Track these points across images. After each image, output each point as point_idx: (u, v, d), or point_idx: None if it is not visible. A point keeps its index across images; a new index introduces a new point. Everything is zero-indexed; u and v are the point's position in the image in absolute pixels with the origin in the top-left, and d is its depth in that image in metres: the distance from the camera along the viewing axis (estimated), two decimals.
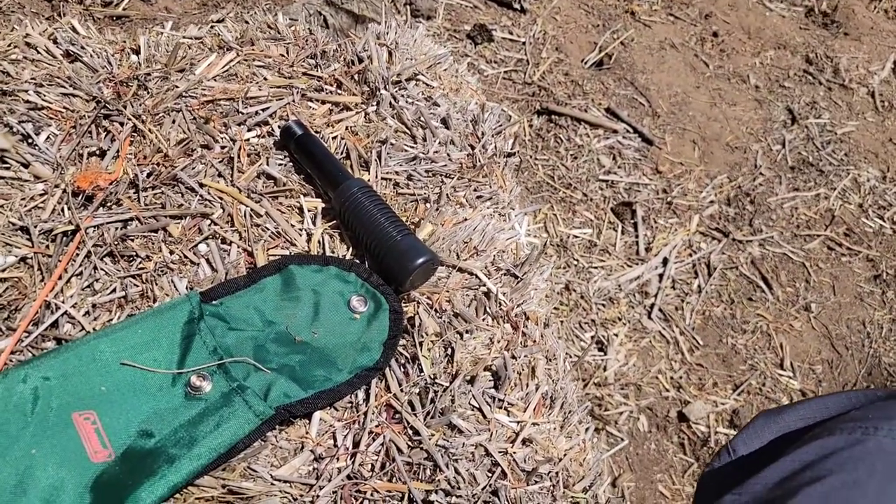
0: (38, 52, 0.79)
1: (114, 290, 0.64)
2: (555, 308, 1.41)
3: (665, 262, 1.55)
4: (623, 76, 1.90)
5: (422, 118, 0.81)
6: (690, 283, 1.55)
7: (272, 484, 0.56)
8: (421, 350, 0.65)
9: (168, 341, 0.58)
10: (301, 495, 0.56)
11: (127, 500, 0.50)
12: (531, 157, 1.67)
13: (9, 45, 0.79)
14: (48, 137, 0.72)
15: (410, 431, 0.62)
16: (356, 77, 0.85)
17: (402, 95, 0.83)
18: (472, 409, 0.64)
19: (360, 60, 0.86)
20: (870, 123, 1.95)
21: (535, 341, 0.69)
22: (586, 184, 1.65)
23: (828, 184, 1.78)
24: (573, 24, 2.00)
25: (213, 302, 0.63)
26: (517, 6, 1.96)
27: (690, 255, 1.59)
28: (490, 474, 0.60)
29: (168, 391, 0.56)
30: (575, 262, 1.50)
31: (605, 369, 1.34)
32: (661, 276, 1.53)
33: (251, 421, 0.55)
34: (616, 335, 1.39)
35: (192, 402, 0.56)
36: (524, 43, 1.89)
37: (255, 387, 0.58)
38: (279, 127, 0.76)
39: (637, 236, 1.58)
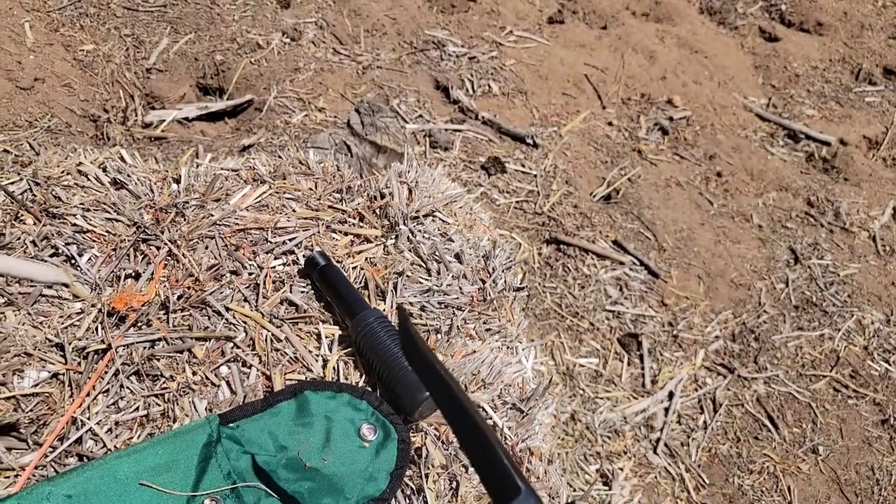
0: (88, 179, 0.86)
1: (137, 409, 0.67)
2: (560, 438, 1.41)
3: (671, 395, 1.56)
4: (630, 210, 1.98)
5: (437, 253, 0.86)
6: (696, 418, 1.55)
7: None
8: (426, 482, 0.67)
9: (186, 463, 0.60)
10: None
11: None
12: (539, 284, 1.72)
13: (62, 172, 0.86)
14: (90, 259, 0.77)
15: None
16: (378, 212, 0.91)
17: (420, 230, 0.89)
18: None
19: (382, 196, 0.92)
20: (872, 267, 2.00)
21: (538, 478, 0.71)
22: (593, 313, 1.69)
23: (832, 324, 1.81)
24: (583, 160, 2.11)
25: (231, 425, 0.65)
26: (530, 141, 2.08)
27: (696, 389, 1.60)
28: None
29: None
30: (581, 392, 1.51)
31: None
32: (666, 409, 1.54)
33: None
34: (621, 469, 1.38)
35: None
36: (535, 175, 1.99)
37: None
38: (304, 257, 0.81)
39: (643, 368, 1.60)
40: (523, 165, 2.02)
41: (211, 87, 1.99)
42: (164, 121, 1.82)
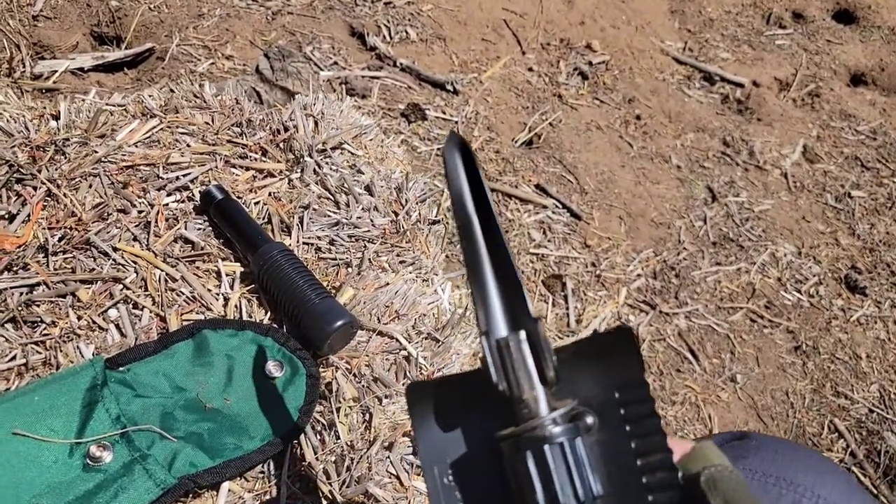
0: None
1: (14, 358, 0.61)
2: None
3: None
4: (552, 155, 1.97)
5: (345, 185, 0.82)
6: None
7: None
8: (338, 416, 0.64)
9: (67, 409, 0.55)
10: None
11: None
12: None
13: None
14: None
15: (325, 501, 0.59)
16: (281, 145, 0.85)
17: (327, 163, 0.84)
18: (390, 477, 0.62)
19: (286, 129, 0.87)
20: (784, 202, 2.07)
21: None
22: (518, 257, 1.68)
23: (748, 258, 1.86)
24: (504, 106, 2.08)
25: (121, 368, 0.60)
26: (450, 87, 2.03)
27: None
28: None
29: (65, 463, 0.53)
30: None
31: None
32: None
33: (151, 491, 0.52)
34: None
35: (91, 473, 0.53)
36: (456, 122, 1.96)
37: (158, 455, 0.55)
38: (200, 192, 0.76)
39: (568, 308, 1.61)
40: (444, 112, 1.98)
41: (107, 36, 1.85)
42: (55, 71, 1.68)
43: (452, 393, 0.36)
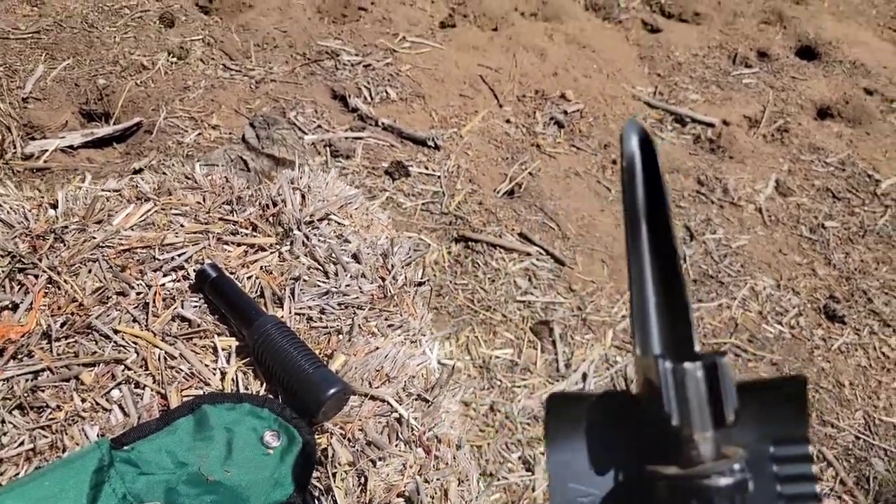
0: None
1: (21, 443, 0.64)
2: (480, 430, 1.43)
3: (584, 376, 1.61)
4: (533, 203, 2.03)
5: (333, 255, 0.86)
6: None
7: None
8: (334, 481, 0.67)
9: (76, 492, 0.58)
10: None
11: None
12: (451, 282, 1.74)
13: None
14: None
15: None
16: (271, 219, 0.90)
17: (315, 234, 0.89)
18: None
19: (275, 204, 0.92)
20: (760, 237, 2.13)
21: (447, 464, 0.72)
22: (505, 305, 1.72)
23: (728, 294, 1.91)
24: (484, 158, 2.15)
25: (125, 447, 0.63)
26: (431, 144, 2.10)
27: (608, 368, 1.65)
28: None
29: None
30: (498, 383, 1.54)
31: (533, 489, 1.35)
32: (581, 390, 1.58)
33: None
34: (542, 454, 1.41)
35: None
36: (439, 177, 2.02)
37: None
38: (194, 271, 0.80)
39: (556, 353, 1.64)
40: (426, 168, 2.04)
41: (95, 113, 1.91)
42: (46, 150, 1.73)
43: (595, 411, 0.33)
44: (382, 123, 2.11)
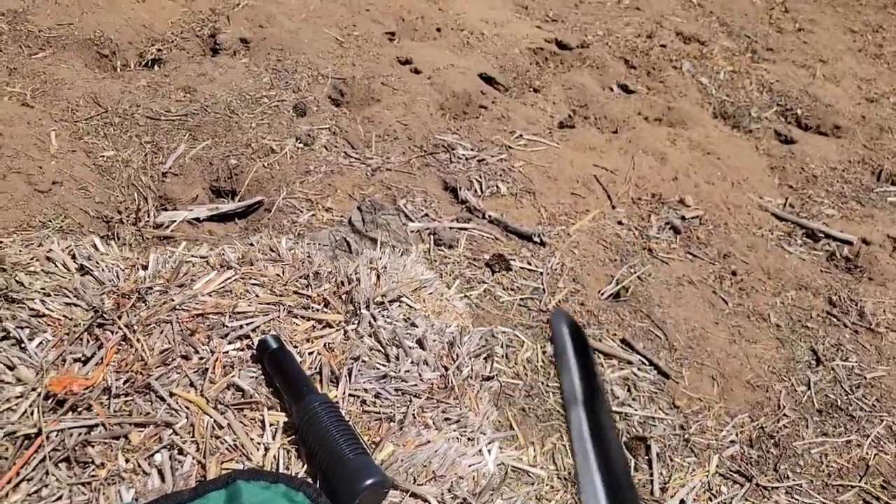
0: (56, 266, 0.87)
1: (59, 498, 0.64)
2: None
3: None
4: (639, 309, 1.93)
5: (397, 338, 0.83)
6: None
7: None
8: None
9: None
10: None
11: None
12: (543, 383, 1.65)
13: (31, 258, 0.87)
14: (40, 343, 0.77)
15: None
16: (343, 297, 0.89)
17: (383, 315, 0.87)
18: None
19: (350, 282, 0.91)
20: None
21: None
22: None
23: (860, 430, 1.69)
24: (591, 258, 2.09)
25: None
26: (537, 239, 2.07)
27: (710, 499, 1.48)
28: None
29: None
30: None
31: None
32: None
33: None
34: None
35: None
36: (541, 273, 1.97)
37: None
38: (257, 342, 0.80)
39: (652, 474, 1.50)
40: (529, 263, 2.00)
41: (224, 190, 2.05)
42: (174, 221, 1.86)
43: None
44: (489, 216, 2.11)
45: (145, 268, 0.89)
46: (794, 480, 1.54)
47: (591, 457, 0.34)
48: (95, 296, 0.82)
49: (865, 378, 1.84)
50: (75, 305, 0.81)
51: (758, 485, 1.53)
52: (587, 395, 0.36)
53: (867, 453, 1.63)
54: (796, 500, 1.51)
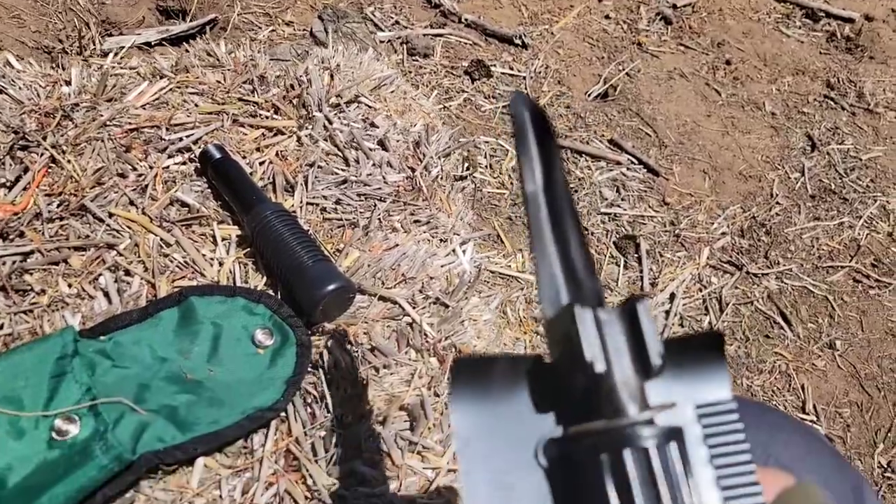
0: None
1: (1, 327, 0.60)
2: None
3: (672, 297, 1.45)
4: (628, 107, 1.83)
5: (355, 140, 0.76)
6: (700, 319, 1.45)
7: None
8: (329, 388, 0.59)
9: (36, 380, 0.53)
10: None
11: None
12: None
13: None
14: None
15: (310, 481, 0.55)
16: (294, 102, 0.80)
17: (339, 118, 0.79)
18: (382, 455, 0.56)
19: (301, 84, 0.82)
20: None
21: None
22: (587, 217, 1.57)
23: (852, 212, 1.66)
24: (577, 58, 1.95)
25: (101, 337, 0.58)
26: (518, 41, 1.92)
27: (700, 290, 1.49)
28: None
29: (31, 435, 0.51)
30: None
31: None
32: (667, 312, 1.43)
33: (105, 468, 0.48)
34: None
35: (54, 448, 0.50)
36: (524, 77, 1.85)
37: (124, 430, 0.52)
38: (199, 153, 0.72)
39: (641, 271, 1.49)
40: (511, 68, 1.88)
41: (172, 10, 1.87)
42: (123, 47, 1.71)
43: (505, 375, 0.30)
44: (466, 20, 1.95)
45: (68, 83, 0.80)
46: (784, 266, 1.54)
47: (548, 244, 0.29)
48: (14, 116, 0.73)
49: (861, 160, 1.79)
50: None
51: (748, 273, 1.52)
52: (547, 182, 0.30)
53: (859, 234, 1.61)
54: (786, 283, 1.52)
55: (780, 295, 1.50)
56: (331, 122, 0.77)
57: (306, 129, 0.77)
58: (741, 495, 0.27)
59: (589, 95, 1.86)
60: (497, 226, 1.52)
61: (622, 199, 1.62)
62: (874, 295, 1.51)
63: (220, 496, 0.53)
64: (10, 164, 0.71)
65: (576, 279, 0.30)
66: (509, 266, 1.41)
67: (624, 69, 1.94)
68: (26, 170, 0.70)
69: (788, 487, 0.30)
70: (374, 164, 0.74)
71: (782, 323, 1.46)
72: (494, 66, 1.86)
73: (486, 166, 1.63)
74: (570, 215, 0.32)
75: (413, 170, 0.76)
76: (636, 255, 1.52)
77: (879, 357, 1.43)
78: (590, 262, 0.31)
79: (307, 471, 0.55)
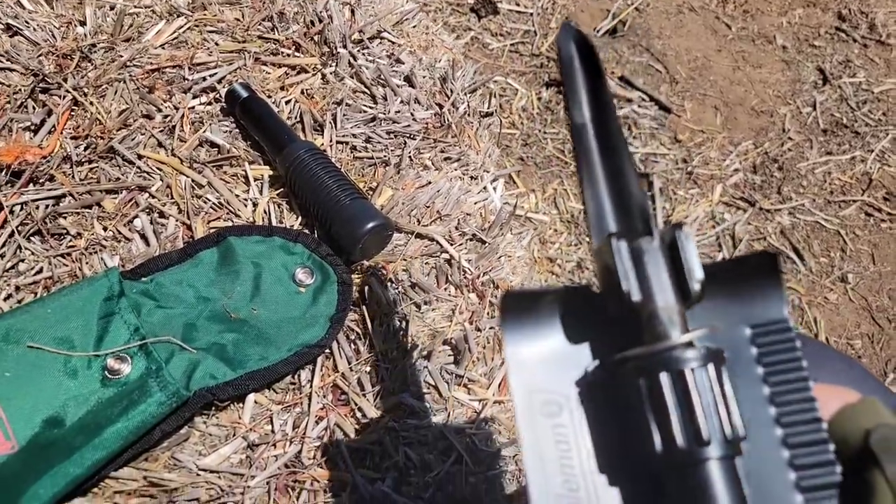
0: None
1: (40, 271, 0.59)
2: None
3: None
4: (638, 43, 1.80)
5: (382, 76, 0.74)
6: (714, 256, 1.45)
7: (198, 475, 0.51)
8: (372, 325, 0.59)
9: (84, 321, 0.53)
10: (230, 486, 0.51)
11: (24, 497, 0.45)
12: (540, 131, 1.58)
13: None
14: None
15: (359, 414, 0.55)
16: (315, 39, 0.78)
17: (363, 54, 0.77)
18: (428, 388, 0.57)
19: (321, 21, 0.80)
20: None
21: None
22: None
23: (864, 146, 1.65)
24: None
25: (143, 279, 0.57)
26: None
27: (714, 226, 1.49)
28: (445, 459, 0.54)
29: (84, 375, 0.51)
30: (587, 240, 1.42)
31: None
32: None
33: (164, 404, 0.49)
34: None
35: (108, 386, 0.51)
36: (532, 14, 1.81)
37: (176, 368, 0.52)
38: (225, 92, 0.71)
39: (654, 208, 1.49)
40: (518, 4, 1.83)
41: None
42: None
43: (553, 307, 0.30)
44: None
45: (83, 24, 0.77)
46: (796, 201, 1.54)
47: (597, 175, 0.29)
48: (32, 58, 0.72)
49: (873, 93, 1.77)
50: (10, 70, 0.71)
51: (761, 209, 1.52)
52: (596, 114, 0.30)
53: (871, 168, 1.61)
54: (798, 219, 1.52)
55: (792, 230, 1.51)
56: (355, 59, 0.75)
57: (330, 66, 0.76)
58: (796, 411, 0.28)
59: (598, 31, 1.82)
60: (509, 166, 1.50)
61: (633, 138, 1.61)
62: (886, 228, 1.52)
63: (273, 430, 0.54)
64: (34, 108, 0.69)
65: (625, 208, 0.31)
66: (522, 207, 1.40)
67: (632, 3, 1.89)
68: (50, 112, 0.69)
69: (852, 403, 0.30)
70: (402, 101, 0.73)
71: (795, 258, 1.47)
72: (501, 2, 1.81)
73: (497, 106, 1.61)
74: (621, 146, 0.32)
75: (441, 106, 0.75)
76: (649, 193, 1.51)
77: (891, 289, 1.44)
78: (639, 191, 0.31)
79: (356, 404, 0.55)
